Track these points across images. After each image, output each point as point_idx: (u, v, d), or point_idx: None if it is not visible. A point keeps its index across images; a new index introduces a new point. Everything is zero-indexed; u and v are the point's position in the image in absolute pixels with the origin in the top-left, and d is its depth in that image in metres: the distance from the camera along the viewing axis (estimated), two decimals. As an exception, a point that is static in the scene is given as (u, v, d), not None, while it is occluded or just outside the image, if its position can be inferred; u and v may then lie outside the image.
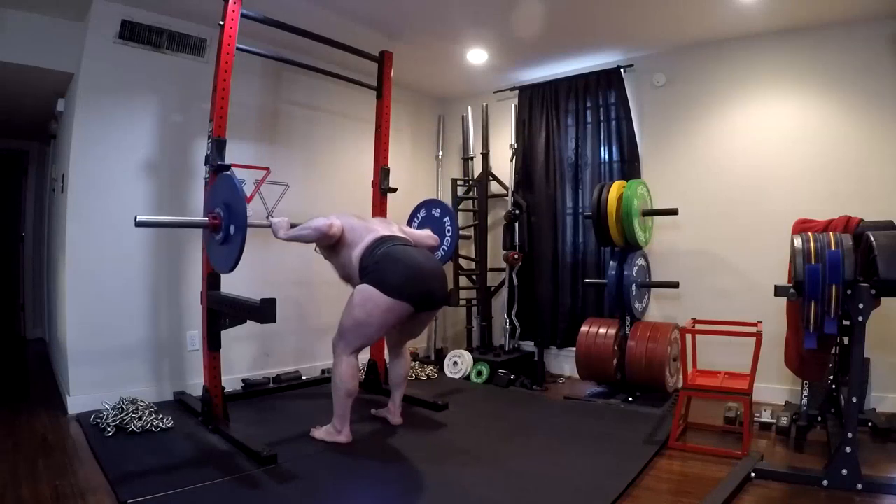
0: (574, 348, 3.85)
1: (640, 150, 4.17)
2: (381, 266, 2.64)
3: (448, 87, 5.10)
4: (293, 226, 2.85)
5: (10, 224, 5.55)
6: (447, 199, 4.82)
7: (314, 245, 2.93)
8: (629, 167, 4.17)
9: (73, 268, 3.18)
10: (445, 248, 3.42)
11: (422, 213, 3.59)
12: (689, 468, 2.57)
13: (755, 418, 3.11)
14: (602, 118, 4.35)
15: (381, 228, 2.87)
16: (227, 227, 2.58)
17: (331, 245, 2.84)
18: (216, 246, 2.69)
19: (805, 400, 3.02)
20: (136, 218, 2.46)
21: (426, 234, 3.19)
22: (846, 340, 2.53)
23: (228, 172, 2.64)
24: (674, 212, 3.76)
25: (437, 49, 4.12)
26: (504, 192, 4.71)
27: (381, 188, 3.79)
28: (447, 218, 3.45)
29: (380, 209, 3.79)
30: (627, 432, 2.98)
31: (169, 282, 3.50)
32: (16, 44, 3.21)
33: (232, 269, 2.57)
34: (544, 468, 2.50)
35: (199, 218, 2.73)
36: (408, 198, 4.37)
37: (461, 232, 4.79)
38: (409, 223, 3.58)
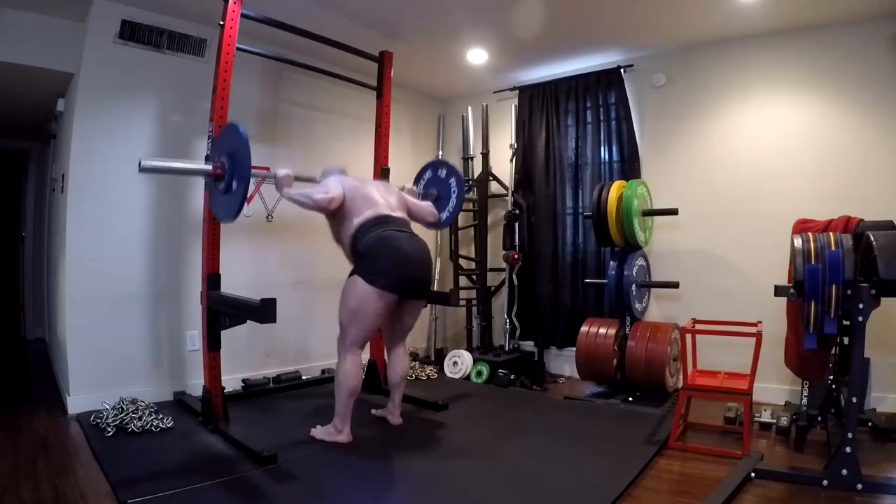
0: (574, 348, 3.85)
1: (640, 150, 4.17)
2: (369, 253, 2.67)
3: (448, 87, 5.10)
4: (305, 180, 2.81)
5: (10, 224, 5.55)
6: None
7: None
8: (629, 167, 4.16)
9: (73, 268, 3.18)
10: (451, 210, 3.42)
11: (428, 175, 3.56)
12: (689, 468, 2.57)
13: (755, 418, 3.11)
14: (602, 118, 4.35)
15: (380, 202, 2.84)
16: (230, 177, 2.56)
17: (330, 213, 2.85)
18: (219, 195, 2.66)
19: (805, 400, 3.01)
20: (139, 162, 2.43)
21: (427, 210, 3.17)
22: (846, 340, 2.53)
23: (235, 122, 2.60)
24: (674, 212, 3.76)
25: (437, 49, 4.12)
26: (504, 192, 4.71)
27: (381, 188, 3.79)
28: (453, 179, 3.42)
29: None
30: (627, 432, 2.98)
31: (169, 282, 3.50)
32: (16, 44, 3.21)
33: (233, 218, 2.52)
34: (544, 468, 2.50)
35: (203, 165, 2.70)
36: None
37: (461, 231, 4.81)
38: (416, 183, 3.55)
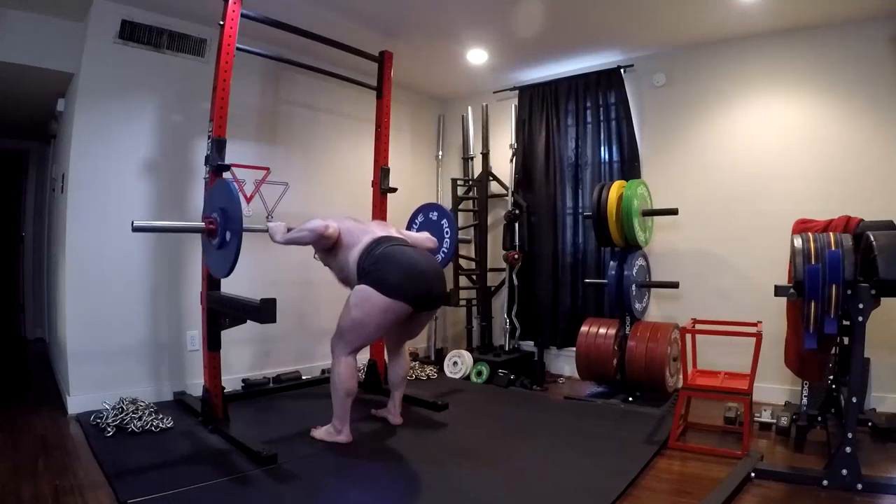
0: (574, 348, 3.85)
1: (640, 150, 4.17)
2: (379, 266, 2.64)
3: (448, 87, 5.10)
4: (290, 229, 2.85)
5: (10, 224, 5.55)
6: (447, 200, 4.83)
7: (313, 252, 2.94)
8: (629, 167, 4.16)
9: (73, 268, 3.18)
10: (445, 251, 3.41)
11: (420, 219, 3.59)
12: (689, 468, 2.57)
13: (755, 418, 3.11)
14: (602, 118, 4.35)
15: (378, 230, 2.86)
16: (223, 233, 2.58)
17: (328, 248, 2.84)
18: (213, 250, 2.69)
19: (805, 400, 3.01)
20: (132, 223, 2.47)
21: (424, 237, 3.19)
22: (846, 340, 2.53)
23: (225, 177, 2.64)
24: (674, 212, 3.76)
25: (437, 49, 4.12)
26: (504, 192, 4.71)
27: (381, 188, 3.79)
28: (445, 220, 3.44)
29: (380, 209, 3.79)
30: (627, 432, 2.98)
31: (169, 282, 3.50)
32: (16, 44, 3.21)
33: (228, 273, 2.58)
34: (544, 468, 2.50)
35: (195, 223, 2.73)
36: (408, 198, 4.38)
37: (461, 234, 4.81)
38: (408, 228, 3.58)
